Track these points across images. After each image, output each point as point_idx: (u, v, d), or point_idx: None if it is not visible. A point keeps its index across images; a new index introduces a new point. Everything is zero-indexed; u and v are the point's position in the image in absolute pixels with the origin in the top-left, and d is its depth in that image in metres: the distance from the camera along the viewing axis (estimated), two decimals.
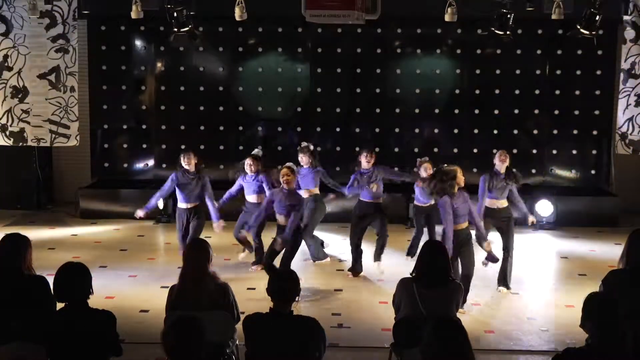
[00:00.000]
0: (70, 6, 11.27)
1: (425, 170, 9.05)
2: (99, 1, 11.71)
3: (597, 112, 12.43)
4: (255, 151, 9.39)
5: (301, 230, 8.21)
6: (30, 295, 5.21)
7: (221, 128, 12.79)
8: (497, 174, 8.38)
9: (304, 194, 9.03)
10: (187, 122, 12.81)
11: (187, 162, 8.78)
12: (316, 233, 9.58)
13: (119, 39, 12.66)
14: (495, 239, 8.45)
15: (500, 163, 8.40)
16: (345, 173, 12.70)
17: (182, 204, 8.82)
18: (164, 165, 12.83)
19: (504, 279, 8.38)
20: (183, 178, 8.77)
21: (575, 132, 12.59)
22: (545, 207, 11.54)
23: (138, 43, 12.87)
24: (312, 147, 9.47)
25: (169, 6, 10.28)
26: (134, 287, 8.51)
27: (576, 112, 12.51)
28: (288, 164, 8.35)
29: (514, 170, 8.48)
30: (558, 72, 12.45)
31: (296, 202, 8.02)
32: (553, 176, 12.73)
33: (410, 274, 5.55)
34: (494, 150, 8.95)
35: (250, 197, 9.14)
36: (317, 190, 9.35)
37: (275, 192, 8.18)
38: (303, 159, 9.35)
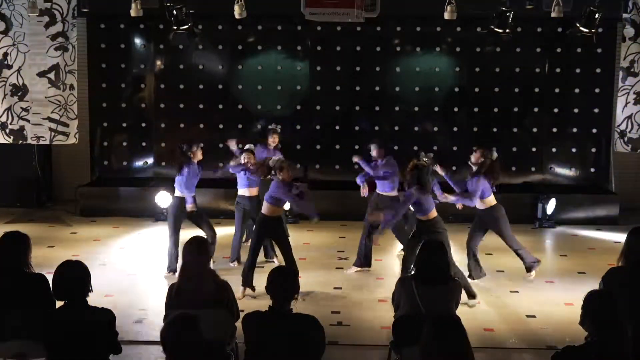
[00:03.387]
0: (70, 4, 11.25)
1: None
2: None
3: (596, 110, 12.43)
4: (248, 146, 9.36)
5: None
6: (30, 294, 5.21)
7: (220, 126, 12.79)
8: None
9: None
10: (187, 120, 12.81)
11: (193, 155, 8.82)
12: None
13: (118, 37, 12.65)
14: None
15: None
16: (345, 172, 12.76)
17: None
18: (163, 163, 12.85)
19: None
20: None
21: (574, 130, 12.60)
22: (551, 205, 11.55)
23: (137, 41, 12.86)
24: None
25: (168, 4, 10.29)
26: (133, 285, 8.51)
27: (576, 110, 12.51)
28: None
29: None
30: (557, 70, 12.45)
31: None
32: (553, 174, 12.74)
33: (410, 272, 5.55)
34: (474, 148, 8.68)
35: (242, 191, 9.20)
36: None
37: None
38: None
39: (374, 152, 9.07)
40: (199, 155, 8.87)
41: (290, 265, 7.83)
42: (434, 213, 7.64)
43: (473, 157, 8.34)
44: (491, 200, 8.28)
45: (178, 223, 8.80)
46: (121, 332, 4.95)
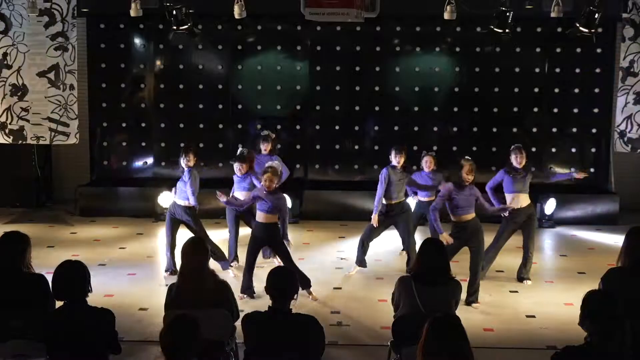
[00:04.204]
0: (70, 4, 11.25)
1: (427, 163, 9.08)
2: None
3: (596, 110, 12.44)
4: (240, 151, 9.12)
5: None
6: (30, 294, 5.21)
7: (220, 126, 12.79)
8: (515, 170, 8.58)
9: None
10: (186, 120, 12.81)
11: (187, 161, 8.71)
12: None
13: (118, 37, 12.66)
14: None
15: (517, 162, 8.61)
16: (345, 171, 12.78)
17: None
18: (162, 163, 12.86)
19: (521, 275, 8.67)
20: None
21: (574, 130, 12.61)
22: (550, 205, 11.56)
23: (137, 41, 12.86)
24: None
25: (168, 4, 10.30)
26: (133, 285, 8.50)
27: (575, 110, 12.52)
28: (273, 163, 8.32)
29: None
30: (557, 70, 12.46)
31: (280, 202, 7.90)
32: (552, 174, 12.71)
33: (409, 272, 5.55)
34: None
35: (240, 194, 8.89)
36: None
37: (259, 190, 7.94)
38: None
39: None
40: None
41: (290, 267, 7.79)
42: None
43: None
44: None
45: (176, 225, 8.79)
46: (121, 332, 4.95)
